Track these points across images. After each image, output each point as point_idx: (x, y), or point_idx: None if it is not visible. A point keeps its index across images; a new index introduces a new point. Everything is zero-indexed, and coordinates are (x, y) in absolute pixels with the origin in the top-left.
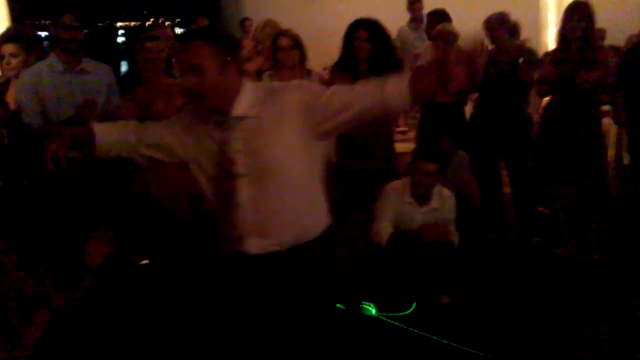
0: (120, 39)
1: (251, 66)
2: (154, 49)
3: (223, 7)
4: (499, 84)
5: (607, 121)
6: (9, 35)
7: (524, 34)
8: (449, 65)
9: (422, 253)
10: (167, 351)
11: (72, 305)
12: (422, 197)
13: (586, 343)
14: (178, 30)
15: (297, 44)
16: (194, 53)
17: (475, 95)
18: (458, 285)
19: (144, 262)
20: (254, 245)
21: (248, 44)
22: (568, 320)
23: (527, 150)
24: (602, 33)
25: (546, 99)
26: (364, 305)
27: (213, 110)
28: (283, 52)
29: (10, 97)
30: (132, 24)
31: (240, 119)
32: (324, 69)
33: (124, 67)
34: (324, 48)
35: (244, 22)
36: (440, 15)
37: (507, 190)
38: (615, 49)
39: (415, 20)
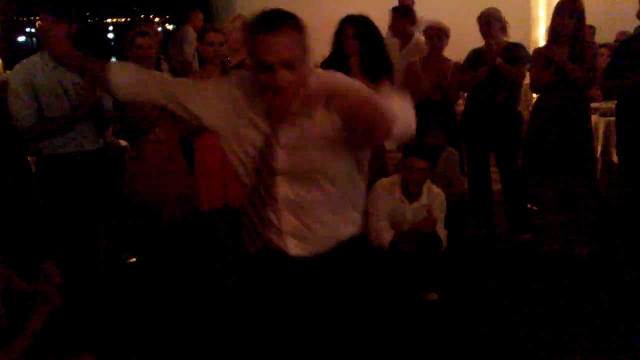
0: (110, 35)
1: (237, 58)
2: (145, 45)
3: (214, 2)
4: (488, 81)
5: (595, 118)
6: None
7: (515, 30)
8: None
9: (411, 250)
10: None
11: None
12: (412, 193)
13: (573, 341)
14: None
15: None
16: (288, 44)
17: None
18: (446, 282)
19: (132, 260)
20: (293, 247)
21: (234, 36)
22: (554, 318)
23: (517, 147)
24: (591, 30)
25: (536, 96)
26: None
27: (283, 106)
28: None
29: None
30: (123, 20)
31: (295, 115)
32: (316, 65)
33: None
34: (317, 44)
35: (232, 17)
36: (404, 11)
37: (497, 187)
38: (605, 46)
39: None
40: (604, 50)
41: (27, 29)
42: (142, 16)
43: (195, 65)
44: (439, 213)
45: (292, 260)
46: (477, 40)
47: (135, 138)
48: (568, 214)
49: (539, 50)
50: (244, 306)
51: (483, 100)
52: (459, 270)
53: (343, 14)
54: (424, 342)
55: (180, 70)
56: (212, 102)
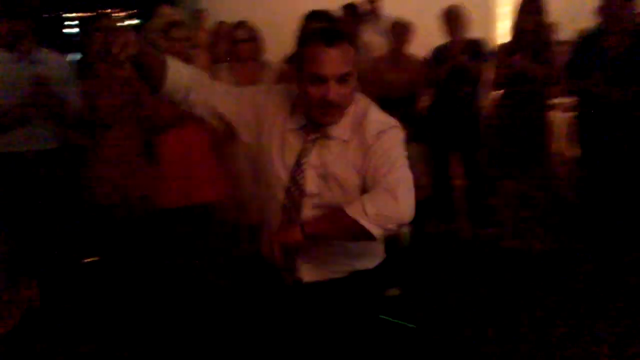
0: (68, 30)
1: (204, 57)
2: (182, 38)
3: None
4: (451, 77)
5: (554, 114)
6: None
7: (477, 27)
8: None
9: None
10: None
11: None
12: None
13: (535, 335)
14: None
15: (254, 36)
16: (345, 59)
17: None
18: (407, 277)
19: (92, 259)
20: (308, 273)
21: (202, 36)
22: (514, 312)
23: (478, 143)
24: (554, 27)
25: (495, 93)
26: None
27: (328, 121)
28: (240, 45)
29: None
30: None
31: (331, 137)
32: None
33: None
34: (285, 40)
35: (198, 13)
36: (352, 10)
37: (459, 182)
38: (566, 43)
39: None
40: (565, 47)
41: None
42: (109, 11)
43: None
44: None
45: (304, 287)
46: (440, 38)
47: (95, 136)
48: (527, 210)
49: (502, 48)
50: (238, 315)
51: (446, 96)
52: (421, 265)
53: (306, 9)
54: (382, 335)
55: None
56: (244, 111)
